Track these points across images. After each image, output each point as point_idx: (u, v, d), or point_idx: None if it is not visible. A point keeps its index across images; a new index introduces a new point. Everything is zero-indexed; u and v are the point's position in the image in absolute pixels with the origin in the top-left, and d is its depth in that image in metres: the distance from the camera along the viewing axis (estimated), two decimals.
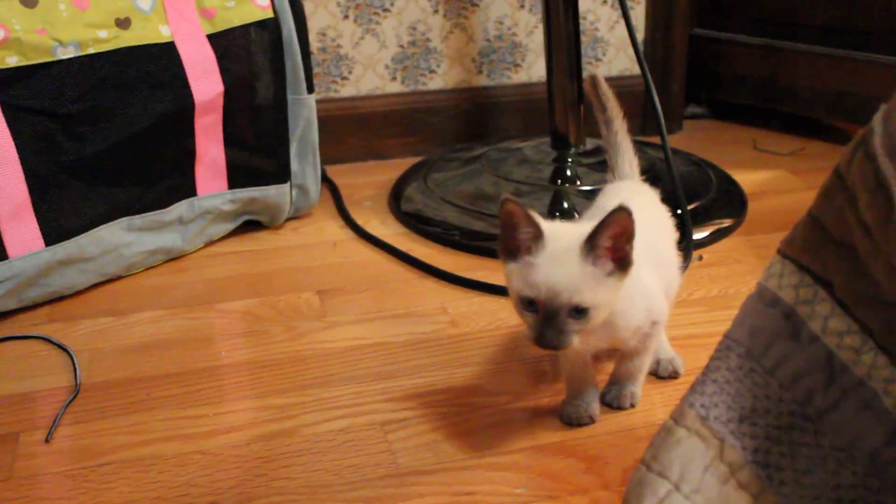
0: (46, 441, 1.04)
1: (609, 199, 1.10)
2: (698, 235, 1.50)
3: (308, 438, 1.04)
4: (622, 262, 0.91)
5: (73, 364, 1.18)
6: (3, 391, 1.14)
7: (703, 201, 1.62)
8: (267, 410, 1.09)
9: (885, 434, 0.70)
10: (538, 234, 0.90)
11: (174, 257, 1.48)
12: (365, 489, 0.95)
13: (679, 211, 1.49)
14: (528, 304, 0.91)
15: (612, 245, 0.90)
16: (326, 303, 1.34)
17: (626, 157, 1.18)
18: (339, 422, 1.07)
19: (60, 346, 1.23)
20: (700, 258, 1.46)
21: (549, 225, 0.92)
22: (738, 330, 0.78)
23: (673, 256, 1.11)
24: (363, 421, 1.06)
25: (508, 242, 0.92)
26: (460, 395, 1.11)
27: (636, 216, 0.89)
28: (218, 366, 1.19)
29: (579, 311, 0.89)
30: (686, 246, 1.44)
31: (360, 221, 1.60)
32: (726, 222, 1.57)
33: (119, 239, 1.37)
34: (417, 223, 1.59)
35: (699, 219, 1.54)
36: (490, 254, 1.47)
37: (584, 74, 1.19)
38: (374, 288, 1.39)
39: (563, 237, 0.91)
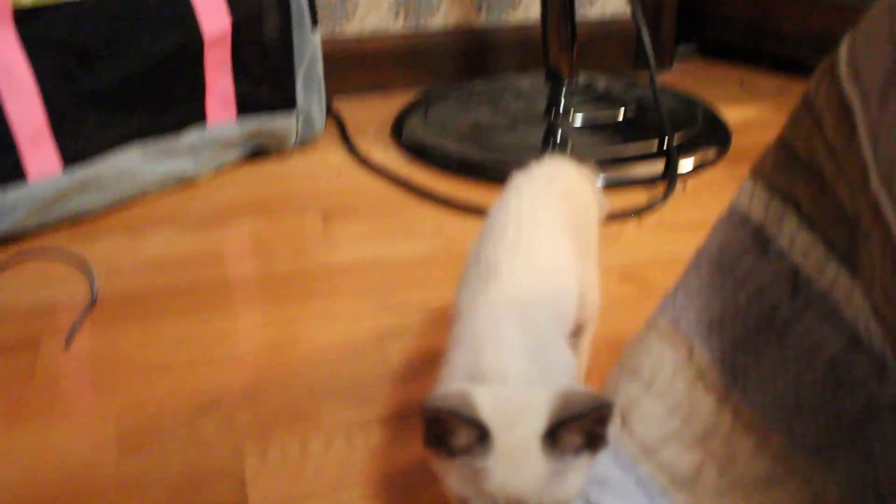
0: (66, 347, 1.06)
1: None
2: (683, 166, 1.50)
3: (309, 347, 1.05)
4: (593, 442, 0.63)
5: (92, 277, 1.20)
6: (25, 302, 1.15)
7: (689, 133, 1.61)
8: (271, 322, 1.11)
9: (843, 343, 0.71)
10: (482, 434, 0.61)
11: (186, 181, 1.49)
12: (360, 389, 0.97)
13: (666, 142, 1.50)
14: None
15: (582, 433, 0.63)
16: (330, 224, 1.35)
17: None
18: (339, 332, 1.08)
19: (78, 259, 1.24)
20: (684, 187, 1.46)
21: (491, 407, 0.62)
22: (710, 245, 0.79)
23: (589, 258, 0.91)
24: (362, 332, 1.08)
25: (440, 443, 0.63)
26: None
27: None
28: (226, 281, 1.20)
29: None
30: (671, 175, 1.45)
31: (363, 150, 1.60)
32: (710, 154, 1.57)
33: (133, 163, 1.38)
34: (417, 152, 1.59)
35: (685, 150, 1.54)
36: (484, 178, 1.47)
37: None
38: (375, 211, 1.40)
39: (515, 424, 0.62)
